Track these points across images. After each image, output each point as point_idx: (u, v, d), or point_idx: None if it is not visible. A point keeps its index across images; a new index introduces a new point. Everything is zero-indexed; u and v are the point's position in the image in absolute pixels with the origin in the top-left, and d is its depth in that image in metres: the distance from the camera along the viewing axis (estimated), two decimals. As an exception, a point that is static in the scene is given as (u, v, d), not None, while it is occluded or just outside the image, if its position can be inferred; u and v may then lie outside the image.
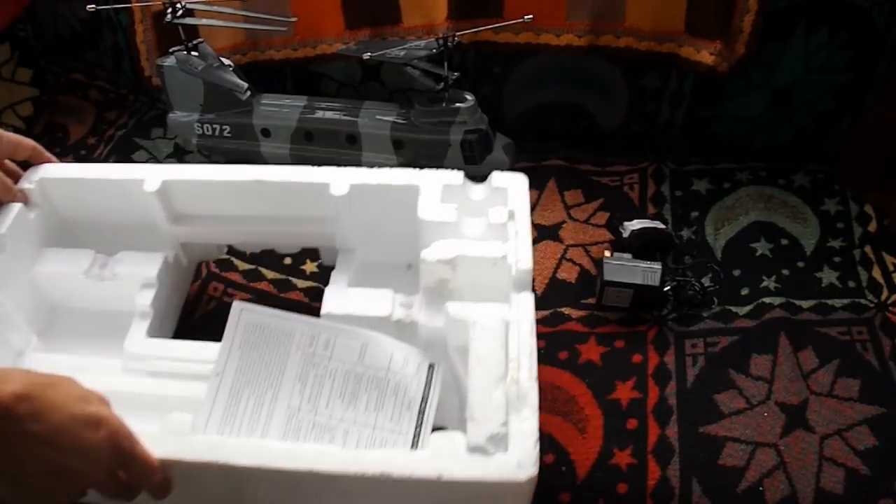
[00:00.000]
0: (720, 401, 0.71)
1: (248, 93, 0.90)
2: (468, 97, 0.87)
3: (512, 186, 0.68)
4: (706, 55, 0.87)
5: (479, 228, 0.68)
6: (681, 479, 0.66)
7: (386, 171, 0.71)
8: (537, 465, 0.50)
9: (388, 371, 0.62)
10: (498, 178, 0.69)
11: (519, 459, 0.50)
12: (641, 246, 0.82)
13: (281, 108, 0.92)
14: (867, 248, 0.84)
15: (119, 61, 1.10)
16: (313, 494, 0.55)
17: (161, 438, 0.52)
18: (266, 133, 0.92)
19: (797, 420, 0.69)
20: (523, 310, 0.59)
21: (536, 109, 0.98)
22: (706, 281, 0.82)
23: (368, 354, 0.62)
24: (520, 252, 0.63)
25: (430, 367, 0.63)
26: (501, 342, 0.57)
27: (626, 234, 0.83)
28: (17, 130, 1.06)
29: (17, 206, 0.72)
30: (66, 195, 0.76)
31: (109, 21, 1.07)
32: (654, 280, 0.77)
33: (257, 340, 0.63)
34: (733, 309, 0.79)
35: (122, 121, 1.11)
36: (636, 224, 0.84)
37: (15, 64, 1.08)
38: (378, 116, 0.90)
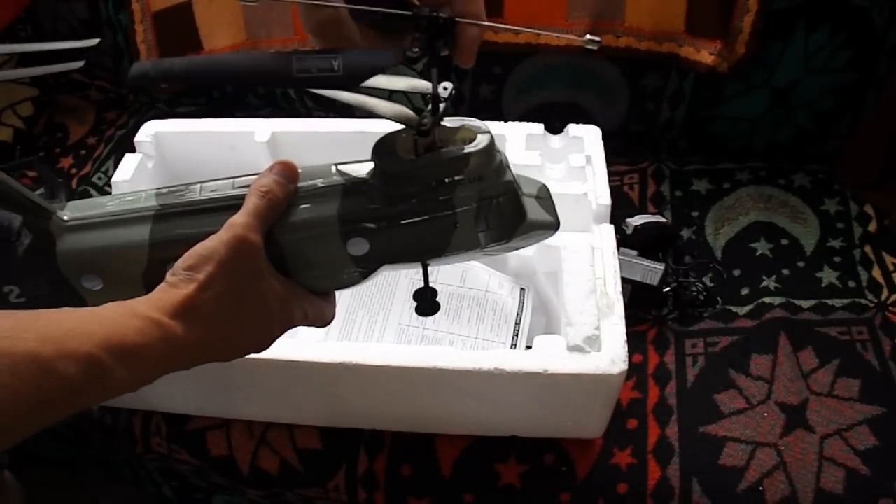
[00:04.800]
0: (720, 401, 0.71)
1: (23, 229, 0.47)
2: (479, 126, 0.47)
3: (588, 135, 0.78)
4: (706, 55, 0.87)
5: (560, 172, 0.76)
6: (681, 479, 0.66)
7: None
8: (627, 362, 0.59)
9: (486, 292, 0.70)
10: (574, 128, 0.78)
11: (611, 357, 0.59)
12: (646, 241, 0.82)
13: (112, 231, 0.47)
14: (867, 248, 0.84)
15: (119, 61, 1.10)
16: (429, 393, 0.64)
17: (298, 346, 0.61)
18: (91, 276, 0.47)
19: (797, 420, 0.69)
20: (605, 238, 0.69)
21: (536, 109, 0.98)
22: (707, 281, 0.82)
23: (468, 279, 0.71)
24: (598, 190, 0.72)
25: (522, 290, 0.72)
26: (590, 261, 0.66)
27: (628, 231, 0.83)
28: (17, 130, 1.06)
29: (138, 157, 0.81)
30: (178, 147, 0.84)
31: (109, 21, 1.07)
32: (654, 280, 0.77)
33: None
34: (733, 309, 0.79)
35: (122, 121, 1.11)
36: (638, 220, 0.84)
37: (15, 64, 1.08)
38: (311, 200, 0.47)
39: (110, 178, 0.81)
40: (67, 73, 1.15)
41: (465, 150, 0.45)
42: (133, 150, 0.82)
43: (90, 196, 0.99)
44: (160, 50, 1.06)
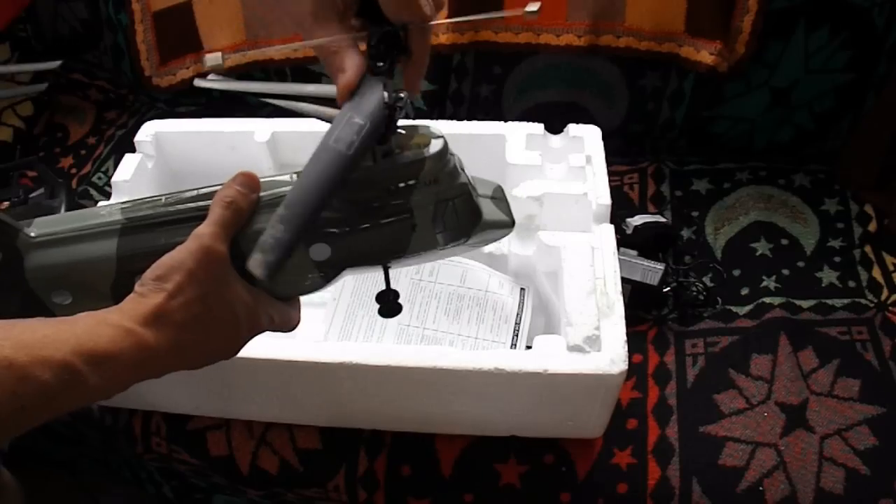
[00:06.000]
0: (720, 401, 0.71)
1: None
2: (434, 131, 0.49)
3: (587, 135, 0.78)
4: (706, 55, 0.87)
5: (560, 172, 0.76)
6: (681, 479, 0.66)
7: (474, 122, 0.78)
8: (627, 362, 0.59)
9: (486, 292, 0.70)
10: (574, 128, 0.78)
11: (611, 357, 0.59)
12: (645, 241, 0.82)
13: (80, 246, 0.47)
14: (867, 248, 0.84)
15: (119, 61, 1.10)
16: (429, 393, 0.64)
17: (298, 346, 0.61)
18: (61, 291, 0.48)
19: (797, 420, 0.69)
20: (605, 238, 0.69)
21: (536, 109, 0.98)
22: (707, 281, 0.82)
23: (468, 279, 0.71)
24: (598, 190, 0.72)
25: (522, 290, 0.72)
26: (590, 261, 0.65)
27: (629, 231, 0.83)
28: (17, 130, 1.06)
29: (138, 157, 0.80)
30: (178, 147, 0.84)
31: (109, 21, 1.07)
32: (654, 280, 0.77)
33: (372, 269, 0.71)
34: (733, 309, 0.79)
35: (122, 121, 1.11)
36: (638, 220, 0.84)
37: (15, 64, 1.08)
38: (273, 209, 0.46)
39: (110, 178, 0.81)
40: (67, 74, 1.15)
41: (420, 156, 0.47)
42: (133, 150, 0.82)
43: (90, 196, 0.99)
44: (160, 50, 1.06)
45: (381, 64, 0.44)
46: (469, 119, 0.80)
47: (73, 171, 1.03)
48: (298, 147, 0.83)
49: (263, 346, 0.61)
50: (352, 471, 0.70)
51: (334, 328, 0.70)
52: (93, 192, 0.99)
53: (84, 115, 1.12)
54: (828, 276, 0.82)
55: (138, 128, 0.84)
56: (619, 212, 0.86)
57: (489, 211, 0.52)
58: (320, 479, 0.70)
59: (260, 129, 0.81)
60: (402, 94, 0.45)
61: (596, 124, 0.79)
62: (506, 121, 0.80)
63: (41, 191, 0.93)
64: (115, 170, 0.80)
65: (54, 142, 1.08)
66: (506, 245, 0.74)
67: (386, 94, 0.43)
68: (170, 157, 0.85)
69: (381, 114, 0.42)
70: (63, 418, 0.78)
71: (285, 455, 0.71)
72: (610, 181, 0.73)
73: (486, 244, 0.55)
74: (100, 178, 1.01)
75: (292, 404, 0.70)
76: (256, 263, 0.39)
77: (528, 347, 0.67)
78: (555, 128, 0.80)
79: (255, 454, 0.72)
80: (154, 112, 1.10)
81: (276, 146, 0.82)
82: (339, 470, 0.70)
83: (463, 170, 0.50)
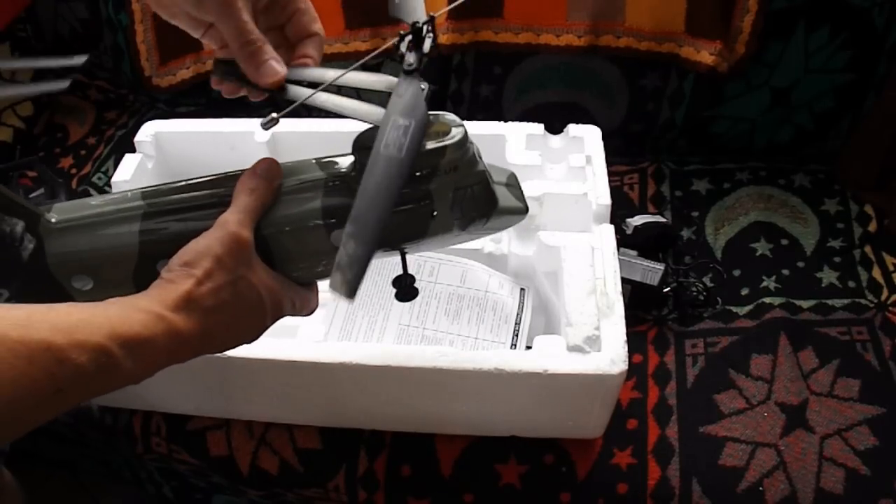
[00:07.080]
0: (720, 401, 0.71)
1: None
2: (453, 120, 0.50)
3: (588, 135, 0.78)
4: (706, 55, 0.87)
5: (559, 172, 0.77)
6: (681, 479, 0.66)
7: (474, 122, 0.76)
8: (626, 362, 0.59)
9: (486, 292, 0.70)
10: (574, 128, 0.79)
11: (611, 357, 0.59)
12: (645, 241, 0.82)
13: (102, 231, 0.47)
14: (867, 248, 0.84)
15: (119, 61, 1.10)
16: (429, 393, 0.64)
17: (298, 346, 0.62)
18: (81, 277, 0.48)
19: (797, 420, 0.69)
20: (605, 238, 0.69)
21: (536, 109, 0.98)
22: (707, 281, 0.82)
23: (468, 279, 0.71)
24: (598, 190, 0.72)
25: (522, 290, 0.73)
26: (590, 261, 0.66)
27: (628, 231, 0.83)
28: (17, 130, 1.06)
29: (138, 157, 0.80)
30: (178, 147, 0.84)
31: (109, 21, 1.07)
32: (654, 280, 0.77)
33: (370, 269, 0.69)
34: (733, 309, 0.79)
35: (122, 121, 1.11)
36: (638, 220, 0.84)
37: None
38: (295, 195, 0.49)
39: (110, 178, 0.81)
40: (67, 74, 1.15)
41: (441, 144, 0.47)
42: (133, 150, 0.82)
43: (90, 196, 0.99)
44: (160, 50, 1.06)
45: (412, 62, 0.45)
46: (469, 119, 0.78)
47: (73, 171, 1.03)
48: (298, 147, 0.83)
49: (263, 346, 0.61)
50: (352, 471, 0.70)
51: (334, 328, 0.70)
52: (93, 192, 0.99)
53: (84, 115, 1.12)
54: (828, 276, 0.82)
55: (138, 128, 0.84)
56: (619, 212, 0.86)
57: (504, 198, 0.53)
58: (320, 480, 0.70)
59: (260, 128, 0.80)
60: (423, 85, 0.45)
61: (596, 124, 0.79)
62: (506, 121, 0.80)
63: (41, 191, 0.93)
64: (115, 170, 0.80)
65: (54, 142, 1.08)
66: (506, 245, 0.74)
67: (423, 89, 0.44)
68: (170, 157, 0.84)
69: (424, 111, 0.42)
70: (63, 418, 0.78)
71: (285, 455, 0.71)
72: (610, 181, 0.73)
73: (500, 230, 0.56)
74: (100, 179, 1.01)
75: (292, 404, 0.70)
76: (337, 283, 0.39)
77: (528, 348, 0.67)
78: (555, 128, 0.80)
79: (255, 454, 0.72)
80: (154, 112, 1.10)
81: (276, 146, 0.82)
82: (339, 470, 0.70)
83: (481, 158, 0.51)
